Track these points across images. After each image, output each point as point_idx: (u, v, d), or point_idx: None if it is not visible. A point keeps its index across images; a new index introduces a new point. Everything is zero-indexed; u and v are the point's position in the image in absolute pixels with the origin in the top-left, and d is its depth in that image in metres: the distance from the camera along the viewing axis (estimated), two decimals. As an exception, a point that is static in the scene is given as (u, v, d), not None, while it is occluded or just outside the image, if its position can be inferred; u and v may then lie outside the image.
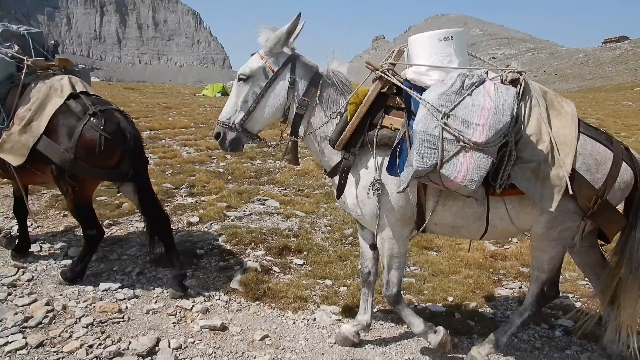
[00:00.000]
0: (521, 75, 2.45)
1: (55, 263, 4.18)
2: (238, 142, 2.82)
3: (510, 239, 4.96)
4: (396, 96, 2.64)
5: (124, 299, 3.58)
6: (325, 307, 3.56)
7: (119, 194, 5.23)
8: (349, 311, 3.46)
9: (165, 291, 3.73)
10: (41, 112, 3.63)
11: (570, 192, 2.28)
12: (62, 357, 2.83)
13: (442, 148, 2.25)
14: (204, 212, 5.51)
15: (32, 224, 5.06)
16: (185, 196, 6.28)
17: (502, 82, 2.45)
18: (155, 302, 3.58)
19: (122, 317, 3.32)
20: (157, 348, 2.96)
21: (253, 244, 4.61)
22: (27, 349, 2.88)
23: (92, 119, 3.55)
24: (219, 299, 3.66)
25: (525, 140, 2.38)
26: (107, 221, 5.18)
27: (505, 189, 2.42)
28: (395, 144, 2.50)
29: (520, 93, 2.39)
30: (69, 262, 4.20)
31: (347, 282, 3.97)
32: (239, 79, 2.79)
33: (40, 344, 2.93)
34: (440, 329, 2.83)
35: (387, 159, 2.53)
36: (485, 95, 2.25)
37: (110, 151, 3.59)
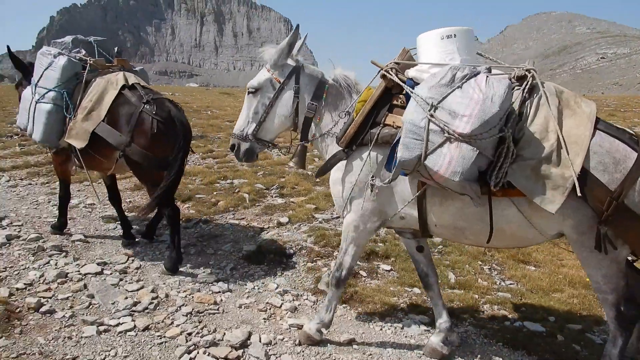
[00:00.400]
0: (529, 72, 2.40)
1: (159, 254, 4.52)
2: (252, 152, 3.06)
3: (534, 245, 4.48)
4: (401, 95, 2.67)
5: (219, 292, 3.77)
6: (414, 316, 3.48)
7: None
8: (439, 322, 3.34)
9: (256, 287, 3.89)
10: (100, 102, 4.18)
11: (578, 194, 2.12)
12: (165, 342, 3.04)
13: (427, 139, 2.25)
14: (293, 213, 5.65)
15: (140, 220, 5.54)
16: (275, 197, 6.49)
17: (510, 79, 2.41)
18: (247, 297, 3.72)
19: (217, 309, 3.50)
20: (249, 342, 3.08)
21: (340, 247, 4.64)
22: (135, 331, 3.14)
23: (146, 106, 4.03)
24: (306, 298, 3.72)
25: (528, 138, 2.29)
26: (204, 218, 5.51)
27: (509, 188, 2.32)
28: (395, 141, 2.50)
29: (526, 90, 2.36)
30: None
31: (437, 292, 3.84)
32: (249, 92, 3.00)
33: (147, 328, 3.18)
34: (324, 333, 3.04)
35: (386, 157, 2.61)
36: (476, 87, 2.22)
37: (161, 135, 3.99)
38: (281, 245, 4.65)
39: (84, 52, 4.73)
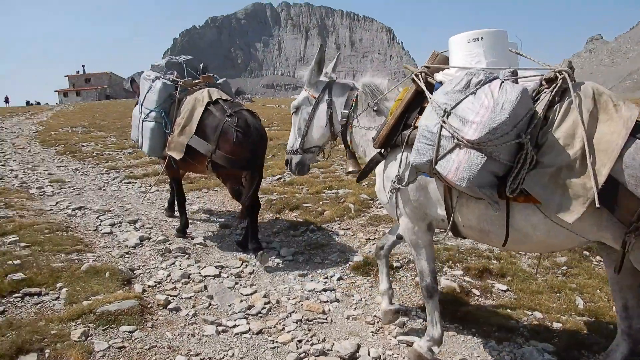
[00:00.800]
0: (560, 74, 2.25)
1: (270, 260, 4.71)
2: (302, 164, 3.36)
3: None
4: None
5: (327, 301, 3.81)
6: (536, 343, 3.18)
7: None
8: (566, 352, 3.03)
9: (363, 299, 3.86)
10: (191, 118, 4.83)
11: (597, 205, 1.97)
12: (277, 347, 3.14)
13: (439, 144, 2.30)
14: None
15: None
16: (380, 208, 6.43)
17: (541, 82, 2.35)
18: (355, 308, 3.72)
19: (326, 319, 3.54)
20: (357, 354, 3.06)
21: (450, 262, 4.44)
22: (250, 334, 3.29)
23: (228, 118, 4.61)
24: (415, 314, 3.61)
25: (551, 144, 2.17)
26: (311, 226, 5.64)
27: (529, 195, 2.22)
28: None
29: (555, 93, 2.24)
30: (279, 260, 4.71)
31: (562, 318, 3.48)
32: (293, 112, 3.36)
33: (260, 332, 3.32)
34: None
35: None
36: (488, 93, 2.20)
37: (241, 143, 4.57)
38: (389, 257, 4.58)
39: (175, 73, 5.47)
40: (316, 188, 7.32)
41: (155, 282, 4.09)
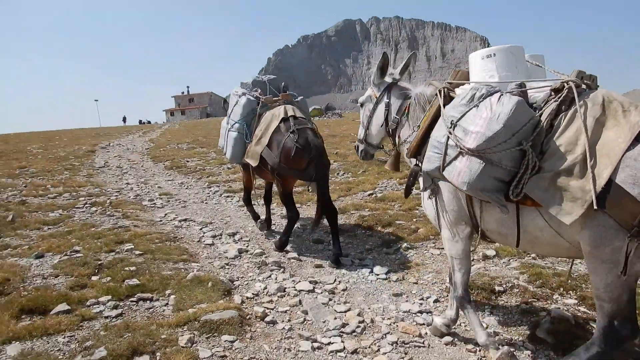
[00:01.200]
0: (567, 84, 2.42)
1: (363, 277, 4.66)
2: (366, 152, 3.79)
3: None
4: None
5: (423, 324, 3.67)
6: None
7: (309, 191, 6.74)
8: None
9: (462, 324, 3.66)
10: (266, 131, 5.42)
11: (595, 207, 2.10)
12: (373, 369, 3.07)
13: (445, 153, 2.59)
14: (500, 245, 5.20)
15: (343, 240, 5.87)
16: (478, 226, 6.11)
17: (550, 92, 2.51)
18: (454, 334, 3.53)
19: (422, 343, 3.39)
20: (458, 384, 2.89)
21: (562, 289, 4.05)
22: (344, 353, 3.26)
23: (291, 135, 5.13)
24: (522, 345, 3.33)
25: (553, 150, 2.34)
26: (405, 244, 5.50)
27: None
28: None
29: (562, 102, 2.40)
30: (374, 278, 4.64)
31: None
32: (360, 105, 3.75)
33: (355, 351, 3.27)
34: (506, 348, 2.93)
35: None
36: (488, 106, 2.44)
37: (299, 157, 5.10)
38: (489, 280, 4.31)
39: (259, 90, 6.15)
40: (409, 205, 7.16)
41: (253, 294, 4.24)
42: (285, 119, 5.36)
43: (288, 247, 5.67)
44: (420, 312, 3.87)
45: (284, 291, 4.31)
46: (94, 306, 3.77)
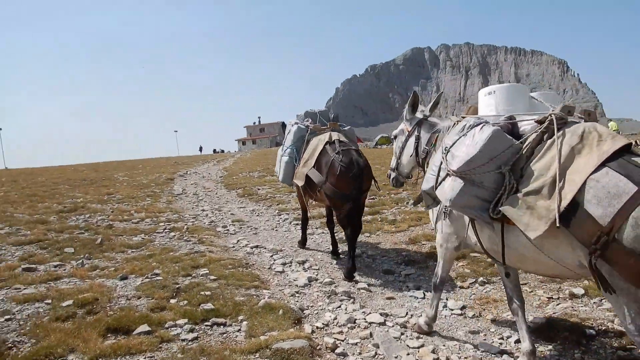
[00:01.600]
0: (549, 117, 2.71)
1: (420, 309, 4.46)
2: (397, 180, 4.25)
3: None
4: None
5: (504, 366, 3.42)
6: None
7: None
8: None
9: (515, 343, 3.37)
10: (313, 154, 6.01)
11: (557, 225, 2.31)
12: (449, 412, 2.89)
13: (438, 174, 3.01)
14: (588, 284, 4.79)
15: (414, 272, 5.69)
16: (562, 261, 5.67)
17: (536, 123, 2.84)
18: (539, 379, 3.25)
19: (504, 387, 3.16)
20: None
21: None
22: (419, 392, 3.11)
23: (337, 156, 5.61)
24: (620, 398, 2.99)
25: (529, 174, 2.61)
26: (481, 279, 5.23)
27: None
28: None
29: (543, 132, 2.70)
30: (448, 313, 4.43)
31: None
32: (393, 137, 4.25)
33: (430, 391, 3.11)
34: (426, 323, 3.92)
35: None
36: (472, 134, 2.83)
37: (345, 176, 5.51)
38: (577, 322, 3.96)
39: (310, 120, 6.86)
40: (484, 236, 6.81)
41: (323, 323, 4.20)
42: (330, 143, 5.91)
43: (357, 277, 5.60)
44: (501, 352, 3.62)
45: (354, 322, 4.23)
46: (172, 328, 3.91)
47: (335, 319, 4.32)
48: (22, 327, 3.86)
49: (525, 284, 5.03)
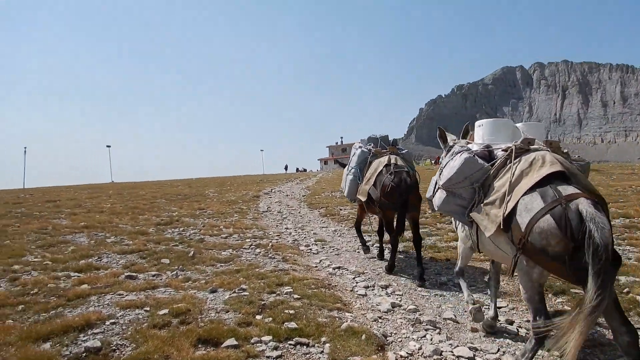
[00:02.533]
0: (511, 147, 3.74)
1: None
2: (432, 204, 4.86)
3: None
4: None
5: (614, 420, 3.05)
6: None
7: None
8: None
9: None
10: (373, 174, 7.04)
11: (501, 227, 3.35)
12: None
13: (434, 187, 4.37)
14: None
15: (506, 305, 5.32)
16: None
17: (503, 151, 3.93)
18: None
19: None
20: None
21: None
22: None
23: (390, 175, 6.64)
24: None
25: (492, 190, 3.62)
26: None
27: None
28: None
29: (503, 159, 3.77)
30: (546, 353, 4.07)
31: None
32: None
33: None
34: (477, 305, 4.59)
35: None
36: (454, 159, 4.00)
37: (394, 192, 6.53)
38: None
39: (372, 144, 7.86)
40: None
41: (407, 353, 4.06)
42: (387, 165, 6.84)
43: (443, 306, 5.37)
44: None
45: (441, 354, 4.04)
46: (257, 344, 4.00)
47: (420, 349, 4.16)
48: (124, 331, 4.18)
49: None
